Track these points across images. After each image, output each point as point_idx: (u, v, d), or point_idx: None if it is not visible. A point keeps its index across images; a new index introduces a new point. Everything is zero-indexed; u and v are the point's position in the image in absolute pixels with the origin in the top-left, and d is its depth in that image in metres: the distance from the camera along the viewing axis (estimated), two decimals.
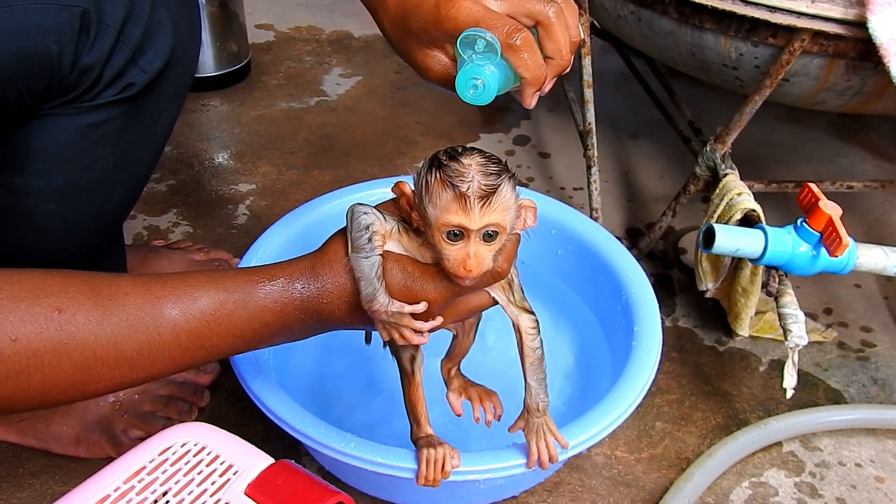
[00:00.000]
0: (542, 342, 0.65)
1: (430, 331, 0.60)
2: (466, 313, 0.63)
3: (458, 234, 0.55)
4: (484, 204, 0.54)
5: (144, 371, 0.59)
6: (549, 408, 0.68)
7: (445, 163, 0.56)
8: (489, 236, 0.56)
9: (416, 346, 0.69)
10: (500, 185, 0.55)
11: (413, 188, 0.58)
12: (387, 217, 0.59)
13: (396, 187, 0.59)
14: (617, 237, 0.98)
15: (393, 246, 0.59)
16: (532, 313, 0.64)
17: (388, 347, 0.70)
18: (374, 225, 0.58)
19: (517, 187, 0.58)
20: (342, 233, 0.61)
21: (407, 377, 0.70)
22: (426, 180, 0.56)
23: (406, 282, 0.58)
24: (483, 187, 0.54)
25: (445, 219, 0.55)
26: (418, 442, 0.70)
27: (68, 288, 0.56)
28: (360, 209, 0.59)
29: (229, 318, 0.59)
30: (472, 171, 0.55)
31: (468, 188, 0.54)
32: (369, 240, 0.58)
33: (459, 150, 0.57)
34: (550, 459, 0.68)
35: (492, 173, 0.55)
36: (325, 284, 0.60)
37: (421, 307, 0.58)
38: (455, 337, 0.73)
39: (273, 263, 0.63)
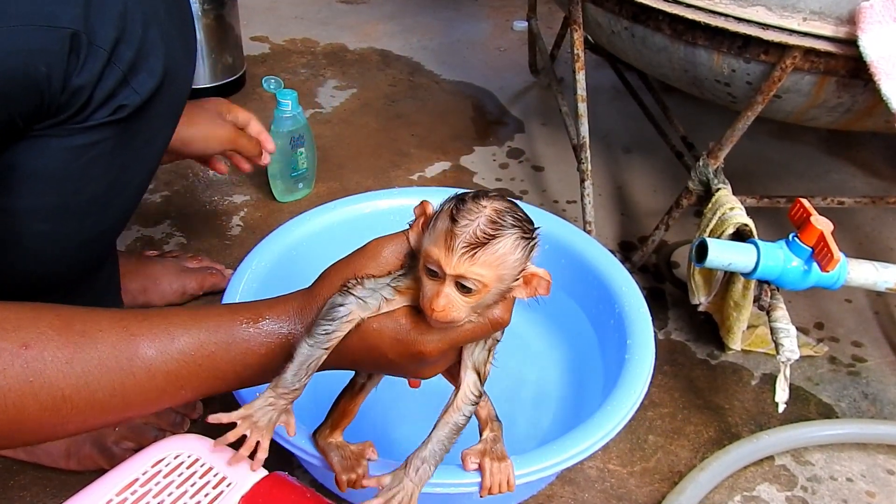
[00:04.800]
0: (471, 416, 0.61)
1: None
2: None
3: (435, 272, 0.52)
4: (468, 252, 0.51)
5: (117, 413, 0.56)
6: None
7: (466, 199, 0.53)
8: (464, 287, 0.52)
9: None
10: (497, 238, 0.51)
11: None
12: (375, 296, 0.56)
13: (420, 206, 0.56)
14: (610, 251, 0.98)
15: (388, 306, 0.57)
16: (481, 380, 0.61)
17: None
18: (347, 317, 0.55)
19: (531, 253, 0.54)
20: (333, 270, 0.59)
21: (353, 389, 0.68)
22: (442, 206, 0.53)
23: (398, 335, 0.56)
24: (476, 234, 0.51)
25: (427, 250, 0.52)
26: (326, 445, 0.68)
27: (38, 322, 0.53)
28: (342, 301, 0.56)
29: (210, 359, 0.57)
30: (482, 215, 0.51)
31: (462, 228, 0.51)
32: (328, 333, 0.55)
33: (493, 194, 0.54)
34: None
35: (499, 225, 0.52)
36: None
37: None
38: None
39: (260, 301, 0.60)
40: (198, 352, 0.56)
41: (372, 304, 0.56)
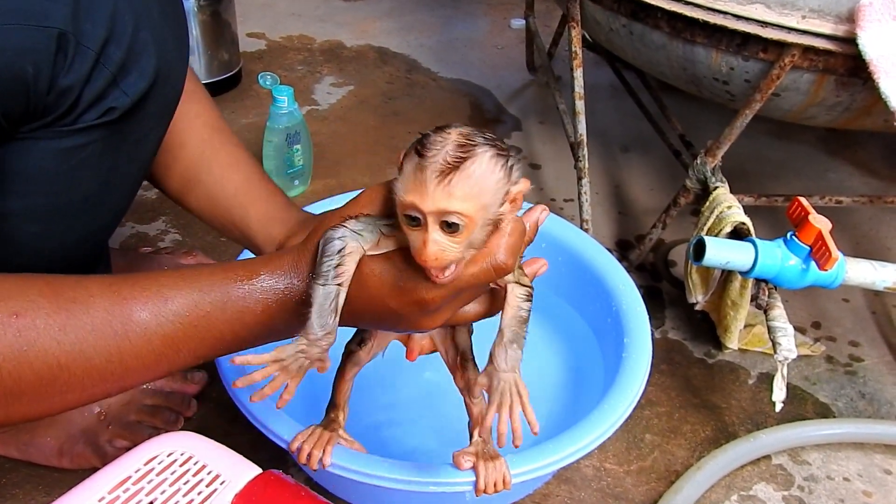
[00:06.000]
0: (530, 310, 0.57)
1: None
2: (463, 321, 0.61)
3: (416, 219, 0.48)
4: (441, 181, 0.46)
5: (117, 380, 0.55)
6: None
7: (429, 133, 0.48)
8: (449, 226, 0.47)
9: (361, 346, 0.68)
10: (467, 158, 0.46)
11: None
12: (369, 229, 0.53)
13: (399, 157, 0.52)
14: (607, 249, 0.98)
15: (386, 246, 0.54)
16: (528, 287, 0.57)
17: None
18: (346, 249, 0.52)
19: (513, 174, 0.49)
20: (326, 220, 0.57)
21: (339, 369, 0.69)
22: (405, 151, 0.48)
23: (398, 282, 0.54)
24: (447, 160, 0.46)
25: (401, 196, 0.48)
26: (327, 413, 0.71)
27: (27, 290, 0.52)
28: (335, 235, 0.53)
29: (206, 320, 0.55)
30: (448, 142, 0.47)
31: (430, 159, 0.46)
32: (334, 267, 0.52)
33: (457, 124, 0.49)
34: (513, 425, 0.57)
35: (469, 146, 0.46)
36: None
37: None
38: (466, 404, 0.68)
39: (254, 259, 0.59)
40: (192, 313, 0.55)
41: (369, 238, 0.53)
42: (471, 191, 0.47)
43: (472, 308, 0.59)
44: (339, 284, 0.53)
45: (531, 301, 0.57)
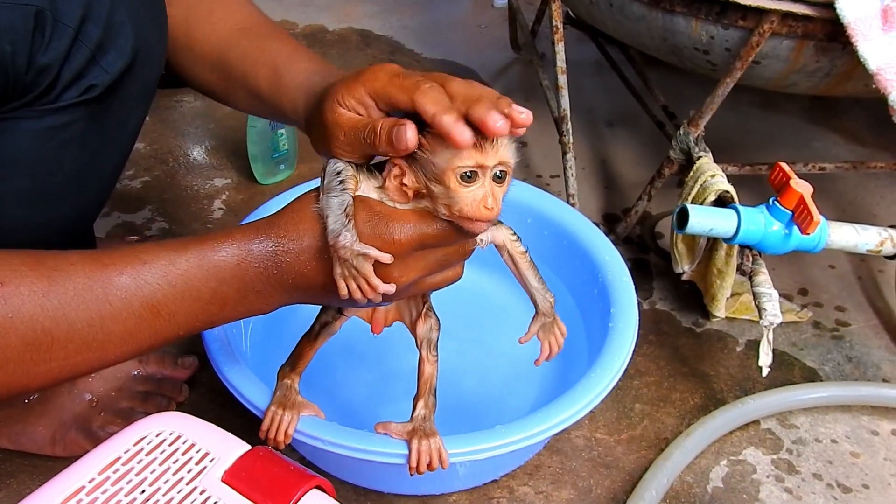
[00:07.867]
0: (527, 248, 0.67)
1: (386, 298, 0.59)
2: (432, 285, 0.63)
3: (472, 176, 0.55)
4: (495, 139, 0.55)
5: (99, 348, 0.56)
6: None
7: None
8: (499, 177, 0.56)
9: (336, 317, 0.70)
10: None
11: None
12: (359, 168, 0.59)
13: (391, 164, 0.58)
14: (594, 223, 0.98)
15: (363, 193, 0.59)
16: (507, 227, 0.66)
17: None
18: (346, 170, 0.58)
19: None
20: (308, 193, 0.61)
21: (311, 336, 0.71)
22: (425, 135, 0.56)
23: (371, 221, 0.57)
24: None
25: (459, 159, 0.55)
26: (279, 383, 0.73)
27: (10, 260, 0.54)
28: (333, 159, 0.60)
29: (183, 277, 0.58)
30: None
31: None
32: (341, 182, 0.57)
33: None
34: (559, 348, 0.71)
35: None
36: (286, 238, 0.59)
37: (387, 258, 0.56)
38: (419, 360, 0.70)
39: (229, 228, 0.62)
40: (170, 271, 0.57)
41: (361, 174, 0.59)
42: (508, 143, 0.57)
43: (440, 273, 0.62)
44: (350, 195, 0.57)
45: (521, 239, 0.67)
